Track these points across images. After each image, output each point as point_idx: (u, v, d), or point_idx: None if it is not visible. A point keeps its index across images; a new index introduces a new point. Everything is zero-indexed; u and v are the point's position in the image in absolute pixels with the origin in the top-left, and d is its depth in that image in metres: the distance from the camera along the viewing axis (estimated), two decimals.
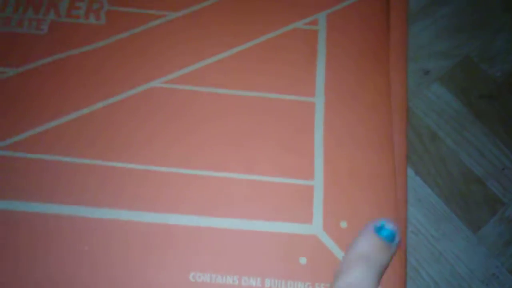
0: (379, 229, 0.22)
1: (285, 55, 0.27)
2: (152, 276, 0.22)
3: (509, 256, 0.41)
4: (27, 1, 0.28)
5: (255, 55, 0.27)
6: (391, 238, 0.22)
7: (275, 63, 0.27)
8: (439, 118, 0.44)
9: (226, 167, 0.24)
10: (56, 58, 0.26)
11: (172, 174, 0.24)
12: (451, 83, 0.45)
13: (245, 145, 0.25)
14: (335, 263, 0.22)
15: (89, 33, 0.27)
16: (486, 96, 0.45)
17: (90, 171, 0.24)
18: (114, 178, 0.24)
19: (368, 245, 0.21)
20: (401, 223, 0.24)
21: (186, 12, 0.28)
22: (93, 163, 0.24)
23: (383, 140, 0.25)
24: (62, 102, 0.25)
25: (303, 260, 0.22)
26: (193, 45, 0.27)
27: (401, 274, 0.23)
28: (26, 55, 0.26)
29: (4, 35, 0.27)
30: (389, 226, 0.22)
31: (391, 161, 0.25)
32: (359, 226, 0.22)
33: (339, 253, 0.22)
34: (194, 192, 0.23)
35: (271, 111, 0.25)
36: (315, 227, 0.23)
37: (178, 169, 0.24)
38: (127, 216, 0.23)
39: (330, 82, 0.26)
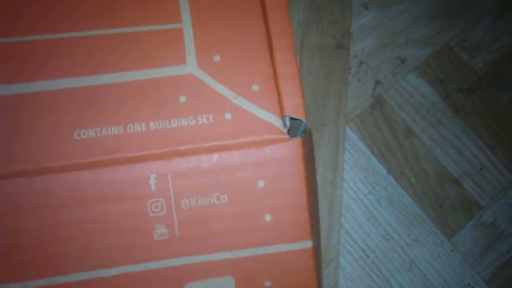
0: None
1: None
2: (36, 142, 0.22)
3: (486, 266, 0.38)
4: None
5: None
6: None
7: None
8: (415, 112, 0.40)
9: (90, 25, 0.24)
10: None
11: (36, 42, 0.23)
12: (429, 73, 0.41)
13: None
14: (214, 96, 0.24)
15: None
16: (465, 89, 0.41)
17: None
18: None
19: None
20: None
21: None
22: None
23: None
24: None
25: (183, 99, 0.23)
26: None
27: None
28: None
29: None
30: None
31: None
32: (232, 57, 0.24)
33: (216, 86, 0.24)
34: (64, 55, 0.24)
35: None
36: (190, 67, 0.24)
37: (41, 36, 0.24)
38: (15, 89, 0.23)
39: None
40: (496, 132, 0.40)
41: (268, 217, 0.23)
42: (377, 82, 0.41)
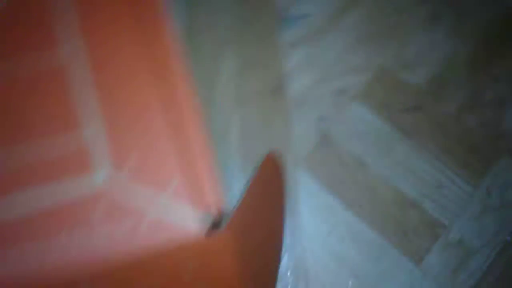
0: None
1: None
2: None
3: (460, 284, 0.38)
4: None
5: None
6: None
7: None
8: (363, 141, 0.40)
9: None
10: None
11: None
12: (370, 100, 0.41)
13: None
14: (130, 204, 0.23)
15: None
16: (409, 108, 0.41)
17: None
18: None
19: None
20: None
21: None
22: None
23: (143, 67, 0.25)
24: None
25: (98, 214, 0.22)
26: None
27: None
28: None
29: None
30: None
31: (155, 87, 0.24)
32: (147, 155, 0.23)
33: (135, 187, 0.23)
34: None
35: None
36: (100, 177, 0.23)
37: None
38: None
39: None
40: (447, 147, 0.40)
41: None
42: (320, 118, 0.40)
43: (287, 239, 0.38)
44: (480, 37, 0.42)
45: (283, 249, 0.37)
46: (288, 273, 0.37)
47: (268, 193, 0.31)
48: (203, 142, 0.25)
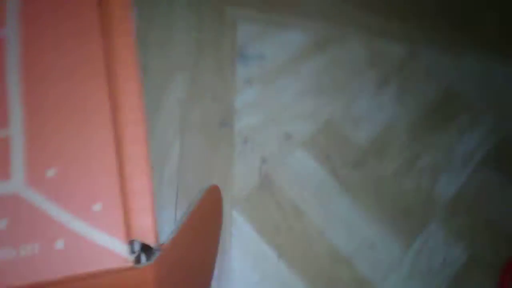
0: None
1: None
2: None
3: None
4: None
5: None
6: None
7: None
8: (303, 190, 0.39)
9: None
10: None
11: None
12: (315, 149, 0.40)
13: None
14: (43, 220, 0.20)
15: None
16: (351, 164, 0.41)
17: None
18: None
19: None
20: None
21: None
22: None
23: (96, 67, 0.22)
24: None
25: (2, 224, 0.19)
26: None
27: None
28: None
29: None
30: None
31: (105, 92, 0.22)
32: (71, 170, 0.20)
33: (47, 207, 0.20)
34: None
35: None
36: (15, 183, 0.20)
37: None
38: None
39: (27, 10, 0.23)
40: (383, 206, 0.40)
41: None
42: (264, 160, 0.39)
43: (214, 283, 0.35)
44: (421, 109, 0.44)
45: None
46: None
47: (204, 230, 0.29)
48: (144, 167, 0.22)
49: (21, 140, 0.21)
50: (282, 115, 0.40)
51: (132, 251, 0.20)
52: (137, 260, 0.20)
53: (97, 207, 0.20)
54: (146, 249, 0.21)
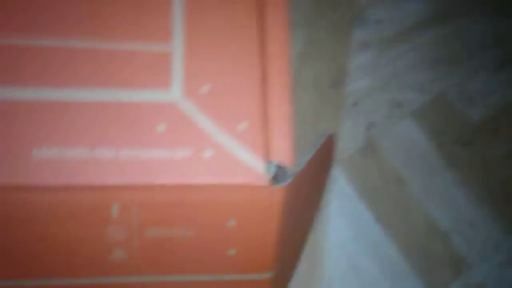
0: None
1: None
2: None
3: None
4: None
5: None
6: None
7: None
8: (407, 159, 0.39)
9: (68, 34, 0.22)
10: None
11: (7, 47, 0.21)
12: (424, 121, 0.40)
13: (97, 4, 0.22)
14: (195, 129, 0.21)
15: None
16: (460, 141, 0.40)
17: None
18: None
19: None
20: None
21: None
22: None
23: (249, 3, 0.24)
24: None
25: (161, 128, 0.21)
26: None
27: None
28: None
29: None
30: None
31: (254, 24, 0.24)
32: (223, 89, 0.22)
33: (200, 119, 0.21)
34: (32, 62, 0.21)
35: None
36: (175, 93, 0.22)
37: (10, 39, 0.21)
38: None
39: None
40: (488, 188, 0.39)
41: (232, 251, 0.22)
42: (370, 125, 0.39)
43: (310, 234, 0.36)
44: None
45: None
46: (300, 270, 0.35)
47: (318, 172, 0.30)
48: (286, 96, 0.23)
49: (181, 56, 0.22)
50: (394, 82, 0.40)
51: (269, 172, 0.21)
52: (272, 180, 0.21)
53: (242, 125, 0.22)
54: (279, 172, 0.22)
